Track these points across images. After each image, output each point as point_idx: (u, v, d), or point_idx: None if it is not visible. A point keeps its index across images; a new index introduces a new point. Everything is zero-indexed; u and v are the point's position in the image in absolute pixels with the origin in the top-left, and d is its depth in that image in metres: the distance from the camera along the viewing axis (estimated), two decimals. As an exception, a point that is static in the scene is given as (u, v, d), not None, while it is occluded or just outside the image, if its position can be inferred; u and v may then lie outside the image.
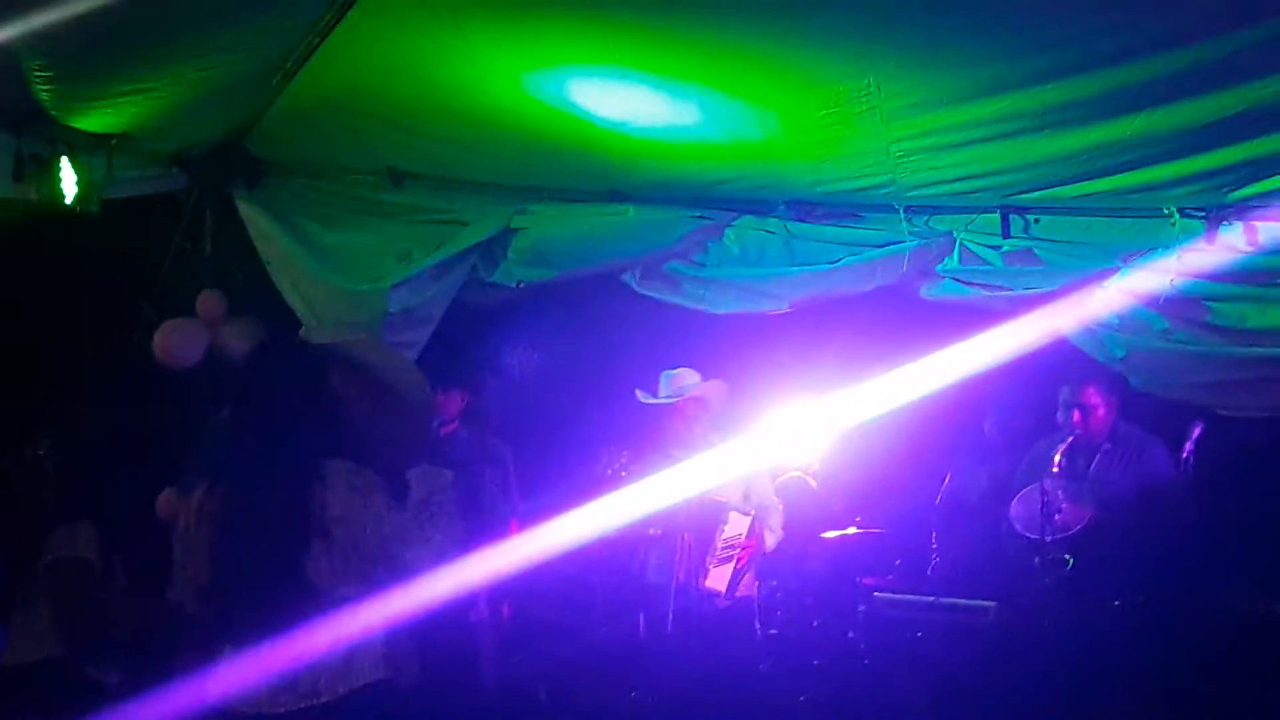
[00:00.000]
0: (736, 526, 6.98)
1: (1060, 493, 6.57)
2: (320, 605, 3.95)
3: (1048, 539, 6.47)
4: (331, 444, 4.08)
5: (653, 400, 7.23)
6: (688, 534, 6.92)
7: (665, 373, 7.31)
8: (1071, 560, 6.42)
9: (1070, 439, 6.68)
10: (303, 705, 3.96)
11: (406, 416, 4.32)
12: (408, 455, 4.35)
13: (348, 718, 4.00)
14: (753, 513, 7.04)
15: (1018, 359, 6.58)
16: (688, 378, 7.22)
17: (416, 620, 4.09)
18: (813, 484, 7.77)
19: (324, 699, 3.96)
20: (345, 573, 3.98)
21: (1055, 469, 6.59)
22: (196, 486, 4.18)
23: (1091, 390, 6.66)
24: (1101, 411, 6.67)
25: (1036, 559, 6.55)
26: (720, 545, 6.93)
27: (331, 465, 4.02)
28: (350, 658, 4.02)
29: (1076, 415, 6.65)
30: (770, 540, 7.17)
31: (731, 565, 6.95)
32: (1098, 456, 6.75)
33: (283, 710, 3.96)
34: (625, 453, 7.25)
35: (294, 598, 3.93)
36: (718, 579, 6.90)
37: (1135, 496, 6.61)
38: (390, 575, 4.01)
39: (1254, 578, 6.37)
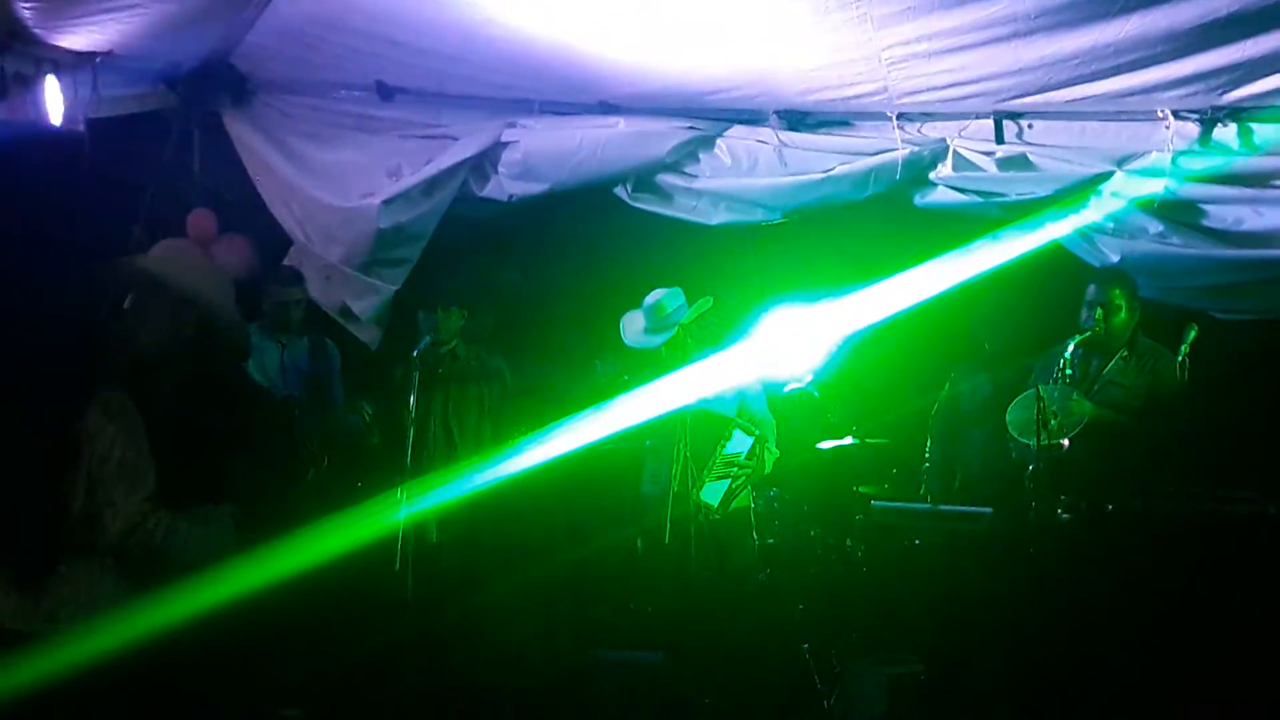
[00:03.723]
0: (738, 445, 6.93)
1: (1060, 397, 6.54)
2: (67, 522, 4.05)
3: (1044, 444, 6.46)
4: (108, 366, 4.21)
5: (641, 344, 7.09)
6: (685, 447, 6.88)
7: (648, 301, 7.09)
8: (1068, 444, 6.40)
9: (1087, 336, 6.62)
10: (40, 627, 4.03)
11: (210, 323, 4.42)
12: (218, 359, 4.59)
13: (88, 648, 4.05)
14: (757, 433, 6.97)
15: (1013, 266, 6.60)
16: (671, 303, 7.07)
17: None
18: (815, 395, 7.72)
19: (62, 626, 4.03)
20: (87, 489, 4.07)
21: (1068, 368, 6.54)
22: None
23: (1117, 290, 6.60)
24: (1124, 314, 6.61)
25: (1033, 462, 6.53)
26: (720, 461, 6.89)
27: (99, 389, 4.13)
28: (93, 586, 4.11)
29: (1100, 313, 6.59)
30: (769, 461, 7.10)
31: (728, 483, 6.92)
32: (1113, 361, 6.71)
33: (21, 628, 4.02)
34: (620, 365, 7.22)
35: (42, 510, 4.04)
36: (711, 493, 6.87)
37: (1143, 404, 6.58)
38: (123, 499, 4.09)
39: (1249, 481, 6.38)
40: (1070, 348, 6.51)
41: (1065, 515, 6.31)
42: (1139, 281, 6.69)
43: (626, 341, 7.10)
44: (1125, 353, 6.66)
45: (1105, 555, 6.16)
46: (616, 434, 6.73)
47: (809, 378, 7.54)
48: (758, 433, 6.96)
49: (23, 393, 4.19)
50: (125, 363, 4.24)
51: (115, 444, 4.08)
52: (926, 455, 7.25)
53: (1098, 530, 6.24)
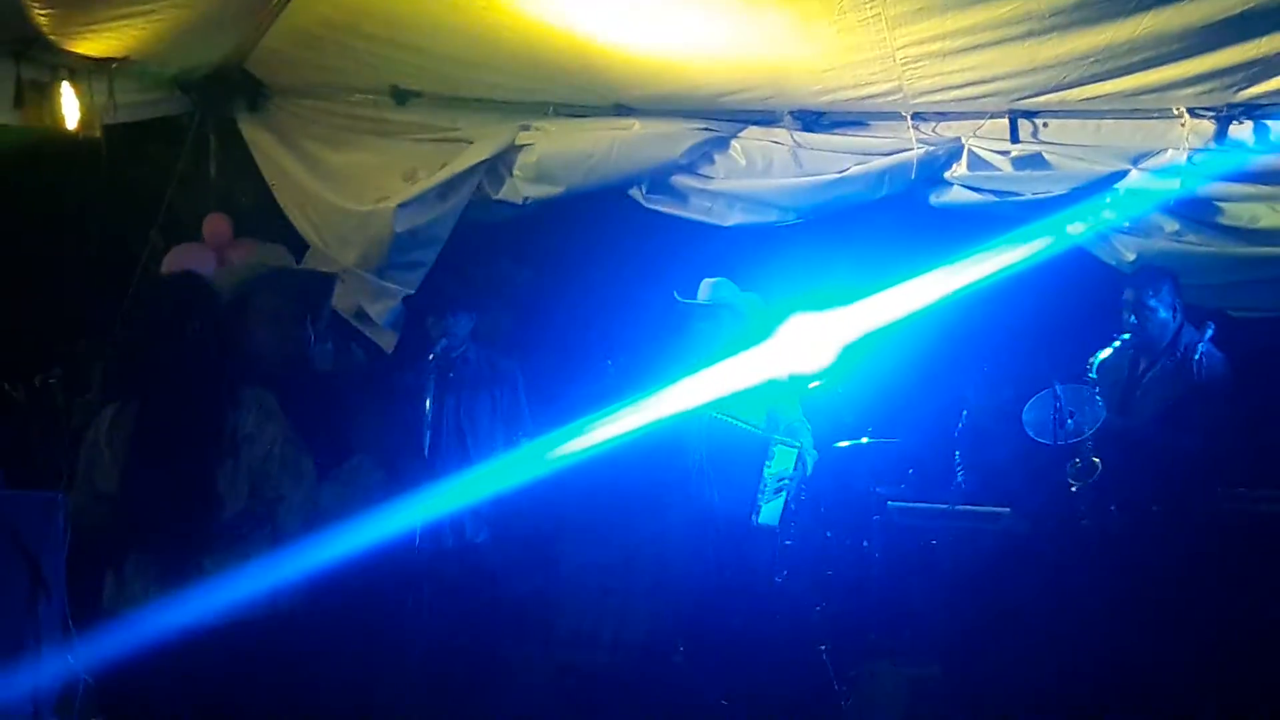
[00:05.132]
0: (783, 461, 6.88)
1: (1078, 397, 6.51)
2: (224, 518, 4.30)
3: (1059, 444, 6.44)
4: (249, 368, 4.55)
5: (691, 301, 7.08)
6: (703, 454, 6.84)
7: (705, 280, 7.11)
8: (1099, 464, 6.38)
9: (1123, 343, 6.59)
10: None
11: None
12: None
13: (231, 644, 4.26)
14: (797, 444, 6.92)
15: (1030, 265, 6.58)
16: (725, 288, 7.08)
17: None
18: (838, 391, 7.67)
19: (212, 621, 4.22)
20: (251, 487, 4.35)
21: (1094, 372, 6.51)
22: (109, 402, 4.52)
23: (1150, 293, 6.55)
24: (1161, 315, 6.56)
25: (1067, 465, 6.50)
26: (771, 481, 6.83)
27: (246, 391, 4.40)
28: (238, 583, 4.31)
29: (1135, 318, 6.55)
30: (810, 463, 7.04)
31: (782, 500, 6.87)
32: (1156, 366, 6.66)
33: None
34: (633, 367, 7.20)
35: (200, 510, 4.28)
36: (770, 514, 6.81)
37: (1181, 408, 6.52)
38: (291, 490, 4.41)
39: (1265, 479, 6.38)
40: (1099, 358, 6.49)
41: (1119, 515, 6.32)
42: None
43: (678, 298, 7.08)
44: (1167, 359, 6.59)
45: (1129, 555, 6.16)
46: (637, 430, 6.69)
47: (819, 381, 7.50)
48: (797, 444, 6.90)
49: (173, 395, 4.38)
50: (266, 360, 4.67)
51: (276, 441, 4.37)
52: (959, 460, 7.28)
53: (1121, 530, 6.24)
